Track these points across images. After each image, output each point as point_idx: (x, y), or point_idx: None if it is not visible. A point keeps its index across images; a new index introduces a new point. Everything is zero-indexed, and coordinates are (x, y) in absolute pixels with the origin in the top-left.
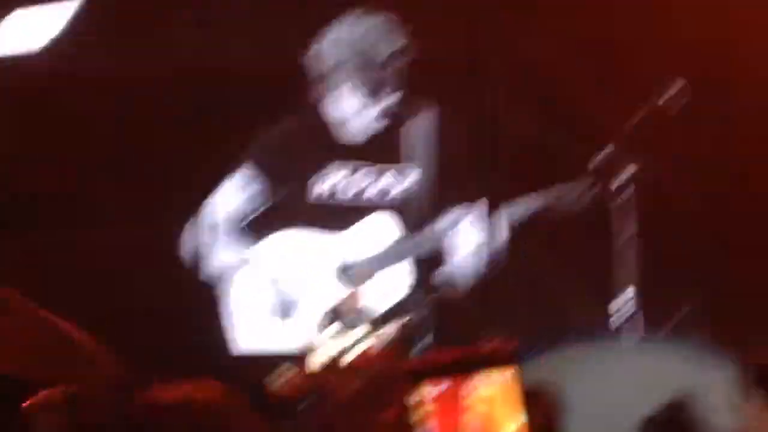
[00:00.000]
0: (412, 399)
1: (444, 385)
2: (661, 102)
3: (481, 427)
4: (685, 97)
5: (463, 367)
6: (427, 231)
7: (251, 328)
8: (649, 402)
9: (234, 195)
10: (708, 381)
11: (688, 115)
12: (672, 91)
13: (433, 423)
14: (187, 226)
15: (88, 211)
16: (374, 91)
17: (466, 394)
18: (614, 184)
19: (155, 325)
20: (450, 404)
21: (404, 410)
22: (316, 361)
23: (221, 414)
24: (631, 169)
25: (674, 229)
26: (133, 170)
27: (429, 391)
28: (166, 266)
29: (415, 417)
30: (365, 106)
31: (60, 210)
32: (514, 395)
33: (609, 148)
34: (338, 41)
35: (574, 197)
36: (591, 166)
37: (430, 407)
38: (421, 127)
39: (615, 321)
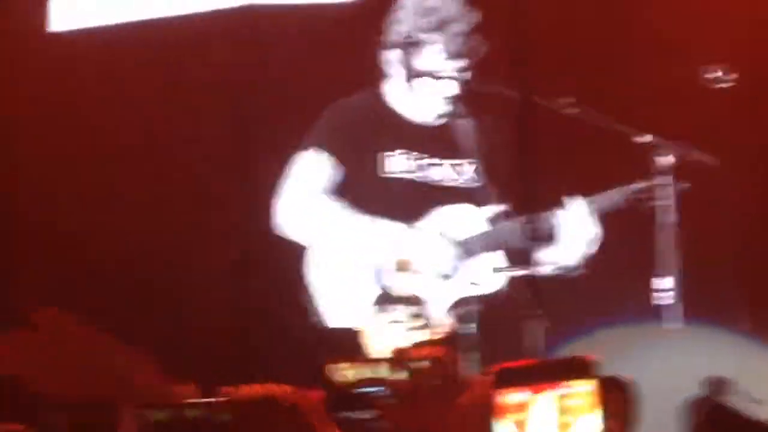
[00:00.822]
0: (492, 401)
1: (525, 393)
2: (708, 84)
3: None
4: (730, 80)
5: (545, 376)
6: (508, 224)
7: (330, 305)
8: (691, 386)
9: (309, 172)
10: (749, 368)
11: (733, 98)
12: (718, 73)
13: (510, 428)
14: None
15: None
16: (452, 57)
17: (546, 402)
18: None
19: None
20: (529, 410)
21: (483, 412)
22: (375, 348)
23: (299, 411)
24: (676, 156)
25: (717, 216)
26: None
27: (510, 397)
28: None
29: (492, 420)
30: (438, 86)
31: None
32: (594, 405)
33: (655, 139)
34: (417, 10)
35: (644, 192)
36: (656, 160)
37: (509, 412)
38: (475, 126)
39: (658, 306)
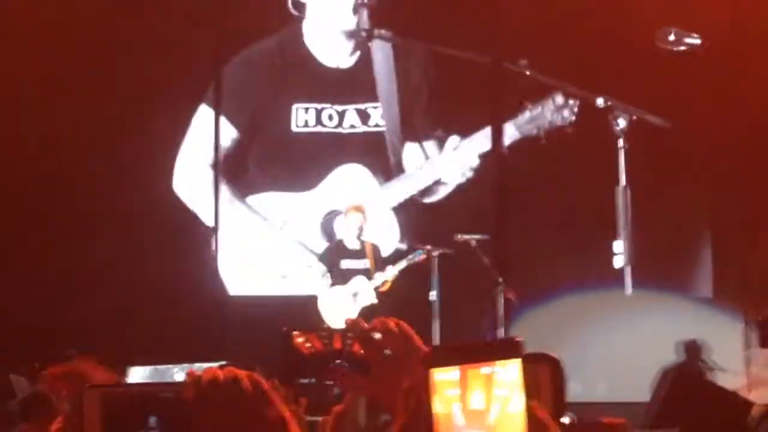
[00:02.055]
0: (424, 383)
1: (453, 372)
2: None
3: (488, 413)
4: (685, 44)
5: (474, 356)
6: (415, 171)
7: (243, 273)
8: (659, 350)
9: (202, 136)
10: (716, 333)
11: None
12: (672, 37)
13: (437, 408)
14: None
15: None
16: (370, 26)
17: (473, 381)
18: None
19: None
20: (457, 389)
21: (416, 393)
22: (328, 314)
23: (261, 390)
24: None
25: (671, 179)
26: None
27: (441, 375)
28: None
29: (422, 400)
30: (336, 39)
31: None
32: (521, 385)
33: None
34: None
35: (555, 116)
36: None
37: (438, 391)
38: (384, 64)
39: (617, 270)
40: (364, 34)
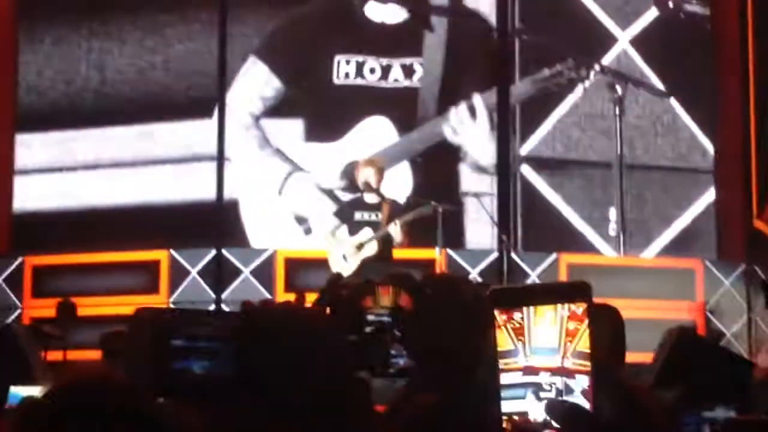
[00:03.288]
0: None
1: (519, 312)
2: None
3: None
4: None
5: (540, 298)
6: (429, 126)
7: (273, 227)
8: (663, 312)
9: (253, 87)
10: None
11: None
12: None
13: (507, 344)
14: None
15: None
16: None
17: (539, 321)
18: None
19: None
20: (522, 330)
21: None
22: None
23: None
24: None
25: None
26: None
27: (504, 317)
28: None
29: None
30: None
31: None
32: (587, 326)
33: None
34: None
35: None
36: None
37: (507, 329)
38: (437, 22)
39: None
40: None
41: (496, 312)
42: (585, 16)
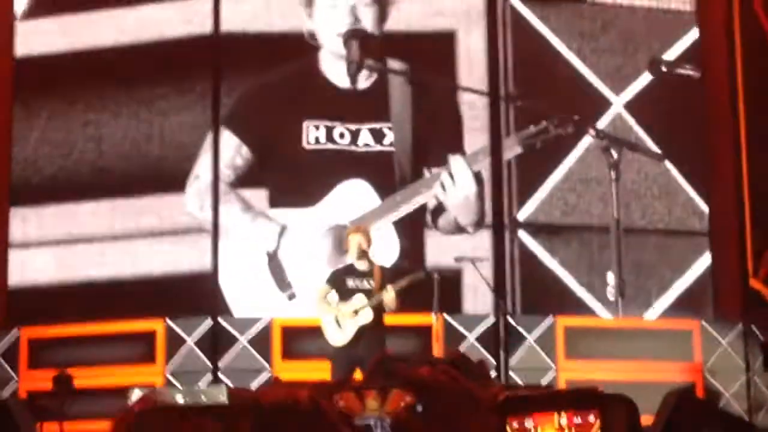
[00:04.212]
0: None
1: (529, 421)
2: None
3: None
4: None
5: (550, 405)
6: (414, 187)
7: (250, 293)
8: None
9: (224, 157)
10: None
11: None
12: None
13: None
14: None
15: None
16: (360, 57)
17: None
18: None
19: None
20: None
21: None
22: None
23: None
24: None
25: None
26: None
27: (515, 424)
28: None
29: None
30: (348, 67)
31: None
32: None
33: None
34: (329, 6)
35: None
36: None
37: None
38: (400, 86)
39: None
40: (353, 65)
41: (508, 420)
42: (579, 81)
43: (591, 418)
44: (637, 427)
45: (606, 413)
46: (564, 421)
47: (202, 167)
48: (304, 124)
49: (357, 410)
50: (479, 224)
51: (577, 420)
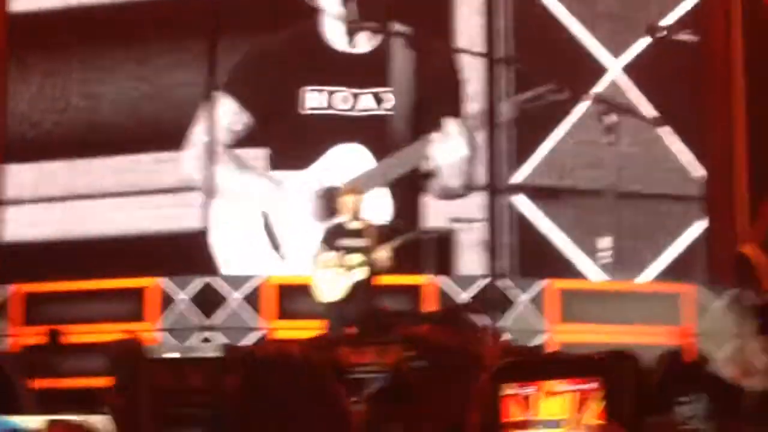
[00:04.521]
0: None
1: (530, 388)
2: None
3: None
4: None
5: (551, 372)
6: (409, 150)
7: (242, 251)
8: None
9: (222, 121)
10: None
11: None
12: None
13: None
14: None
15: None
16: (359, 17)
17: (548, 397)
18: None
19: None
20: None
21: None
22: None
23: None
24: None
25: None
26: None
27: (513, 391)
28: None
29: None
30: (347, 28)
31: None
32: (599, 398)
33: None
34: None
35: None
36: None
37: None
38: (401, 50)
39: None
40: (351, 26)
41: (507, 384)
42: (577, 46)
43: (594, 384)
44: (643, 384)
45: (609, 378)
46: (565, 387)
47: (201, 131)
48: (304, 89)
49: (353, 363)
50: (470, 188)
51: (580, 386)
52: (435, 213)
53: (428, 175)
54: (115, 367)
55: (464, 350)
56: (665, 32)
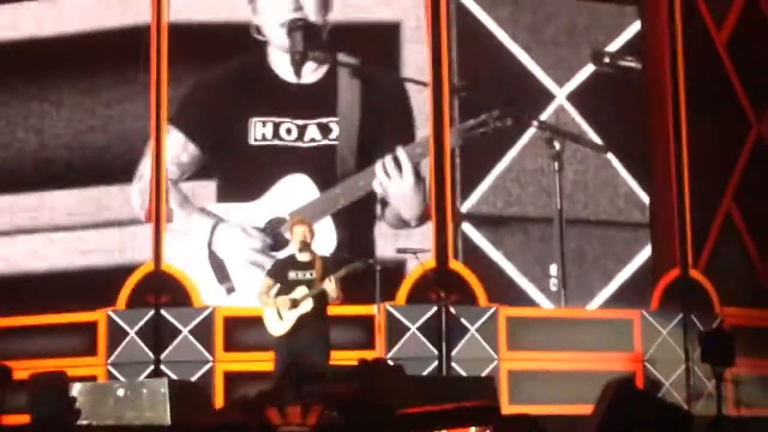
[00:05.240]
0: None
1: None
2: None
3: None
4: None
5: (450, 422)
6: (354, 180)
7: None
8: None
9: (170, 154)
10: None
11: None
12: None
13: None
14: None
15: None
16: (304, 48)
17: None
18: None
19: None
20: None
21: None
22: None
23: None
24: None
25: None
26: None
27: None
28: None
29: None
30: (294, 62)
31: None
32: None
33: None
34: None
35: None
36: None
37: None
38: (346, 82)
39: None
40: (297, 56)
41: None
42: (523, 73)
43: None
44: None
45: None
46: None
47: (147, 166)
48: (251, 121)
49: (279, 424)
50: (422, 218)
51: None
52: (383, 243)
53: (379, 204)
54: (33, 403)
55: (382, 407)
56: (609, 59)
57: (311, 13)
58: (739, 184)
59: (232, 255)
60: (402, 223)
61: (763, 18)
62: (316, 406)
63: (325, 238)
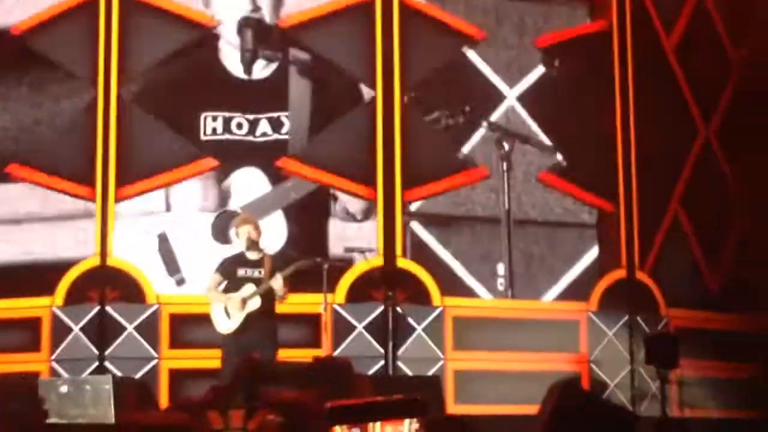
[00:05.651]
0: None
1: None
2: None
3: None
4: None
5: (378, 414)
6: (286, 185)
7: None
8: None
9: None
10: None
11: None
12: None
13: None
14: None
15: None
16: (257, 43)
17: None
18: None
19: None
20: None
21: None
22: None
23: None
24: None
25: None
26: None
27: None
28: None
29: None
30: (242, 56)
31: None
32: None
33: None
34: None
35: None
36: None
37: None
38: (297, 77)
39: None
40: (247, 54)
41: (337, 428)
42: (473, 74)
43: (414, 425)
44: None
45: (430, 427)
46: (388, 429)
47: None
48: (202, 116)
49: (220, 429)
50: (368, 213)
51: (400, 428)
52: (336, 242)
53: (330, 199)
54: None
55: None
56: (559, 61)
57: (265, 12)
58: (686, 188)
59: (183, 244)
60: (349, 216)
61: (712, 23)
62: (260, 411)
63: (276, 233)
